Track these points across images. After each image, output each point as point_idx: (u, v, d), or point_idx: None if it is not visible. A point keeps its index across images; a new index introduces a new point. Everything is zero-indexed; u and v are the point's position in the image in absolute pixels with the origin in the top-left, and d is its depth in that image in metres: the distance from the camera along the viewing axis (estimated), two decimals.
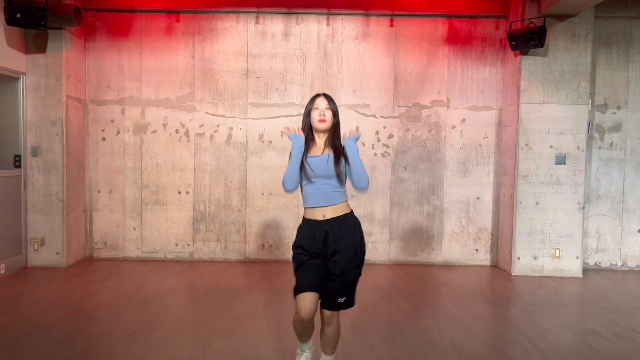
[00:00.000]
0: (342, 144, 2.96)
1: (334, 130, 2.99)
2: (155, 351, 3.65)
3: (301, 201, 2.96)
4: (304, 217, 3.02)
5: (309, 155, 2.94)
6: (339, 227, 2.93)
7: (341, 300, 2.94)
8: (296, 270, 2.97)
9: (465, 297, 5.17)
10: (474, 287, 5.56)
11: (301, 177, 2.93)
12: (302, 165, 2.92)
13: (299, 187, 2.98)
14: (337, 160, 2.89)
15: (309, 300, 2.83)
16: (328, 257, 2.92)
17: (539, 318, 4.52)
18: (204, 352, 3.64)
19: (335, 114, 2.99)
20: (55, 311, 4.52)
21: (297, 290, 2.89)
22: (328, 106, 2.96)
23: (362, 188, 2.93)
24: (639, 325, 4.37)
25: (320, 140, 2.99)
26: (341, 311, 3.01)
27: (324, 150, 2.95)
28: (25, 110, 5.92)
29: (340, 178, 2.91)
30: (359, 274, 3.00)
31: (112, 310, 4.56)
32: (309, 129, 3.00)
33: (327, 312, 2.99)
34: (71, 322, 4.24)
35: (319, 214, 2.93)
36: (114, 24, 6.41)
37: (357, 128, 6.42)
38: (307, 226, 2.98)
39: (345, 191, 2.99)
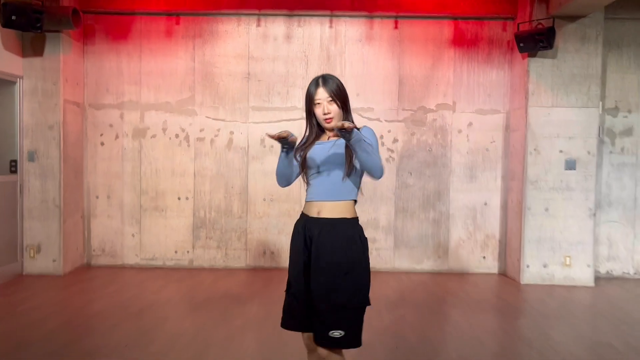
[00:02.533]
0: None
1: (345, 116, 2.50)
2: None
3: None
4: (301, 213, 2.57)
5: (317, 142, 2.52)
6: (329, 231, 2.38)
7: (335, 334, 2.29)
8: (287, 288, 2.57)
9: (472, 306, 4.99)
10: (481, 296, 5.39)
11: (306, 173, 2.53)
12: (303, 159, 2.50)
13: (300, 182, 2.58)
14: (346, 146, 2.38)
15: (305, 335, 2.50)
16: (312, 267, 2.40)
17: (550, 329, 4.34)
18: None
19: (343, 100, 2.47)
20: (50, 321, 4.38)
21: (282, 321, 2.55)
22: (331, 97, 2.42)
23: (377, 172, 2.33)
24: None
25: (330, 133, 2.52)
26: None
27: (329, 137, 2.51)
28: (21, 114, 5.81)
29: (348, 167, 2.39)
30: (363, 302, 2.38)
31: (108, 321, 4.43)
32: (316, 122, 2.53)
33: (321, 351, 2.39)
34: (66, 333, 4.10)
35: (315, 210, 2.44)
36: (113, 27, 6.30)
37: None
38: (299, 223, 2.53)
39: (354, 190, 2.47)
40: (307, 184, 2.53)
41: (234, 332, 4.14)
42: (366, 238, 2.48)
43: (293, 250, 2.53)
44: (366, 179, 2.48)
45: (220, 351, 3.74)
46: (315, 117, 2.50)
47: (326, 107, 2.43)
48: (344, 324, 2.30)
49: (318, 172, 2.46)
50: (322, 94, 2.43)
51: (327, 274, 2.33)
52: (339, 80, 2.50)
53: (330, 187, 2.42)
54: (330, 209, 2.41)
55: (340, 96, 2.45)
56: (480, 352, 3.81)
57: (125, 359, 3.59)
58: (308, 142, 2.54)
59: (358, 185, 2.49)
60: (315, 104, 2.46)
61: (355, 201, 2.50)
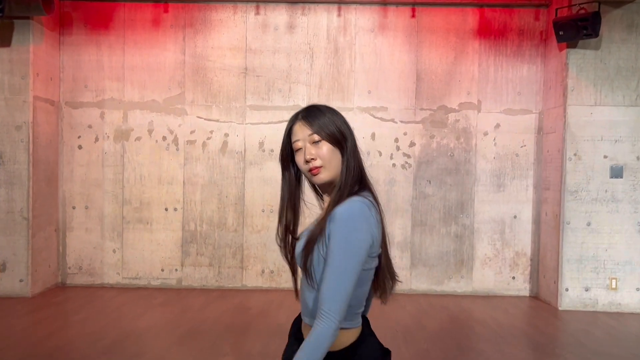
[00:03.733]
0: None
1: (347, 174, 1.52)
2: None
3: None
4: None
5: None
6: None
7: None
8: None
9: (504, 338, 4.28)
10: (513, 325, 4.68)
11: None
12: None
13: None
14: (309, 243, 1.50)
15: None
16: None
17: None
18: None
19: (337, 134, 1.52)
20: (5, 353, 3.67)
21: None
22: (315, 133, 1.51)
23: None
24: None
25: (327, 198, 1.59)
26: None
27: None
28: None
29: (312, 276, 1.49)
30: None
31: (73, 355, 3.72)
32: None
33: None
34: None
35: (306, 331, 1.56)
36: (93, 15, 5.75)
37: (373, 135, 5.58)
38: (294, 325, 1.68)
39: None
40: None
41: None
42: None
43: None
44: (378, 193, 1.60)
45: None
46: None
47: (309, 149, 1.51)
48: None
49: (303, 276, 1.56)
50: (301, 132, 1.52)
51: None
52: (332, 110, 1.57)
53: (304, 301, 1.56)
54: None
55: (331, 130, 1.52)
56: None
57: None
58: (287, 221, 1.63)
59: (358, 301, 1.52)
60: (294, 150, 1.55)
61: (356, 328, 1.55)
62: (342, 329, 1.44)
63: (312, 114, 1.54)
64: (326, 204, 1.54)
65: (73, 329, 4.37)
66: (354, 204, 1.44)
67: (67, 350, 3.87)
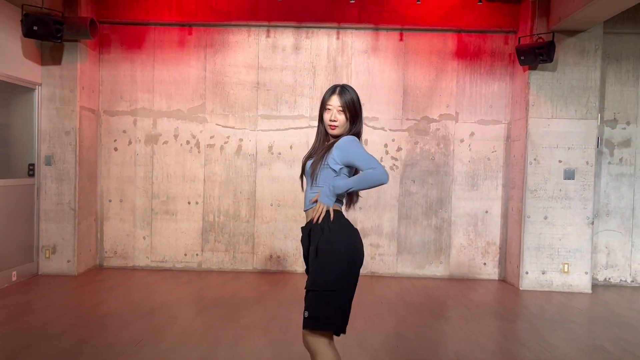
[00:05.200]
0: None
1: (350, 132, 2.62)
2: None
3: None
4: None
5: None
6: (318, 228, 2.54)
7: (305, 314, 2.48)
8: None
9: (472, 311, 5.15)
10: (481, 301, 5.54)
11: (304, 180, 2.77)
12: (302, 167, 2.73)
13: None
14: (317, 159, 2.58)
15: None
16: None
17: (546, 333, 4.50)
18: None
19: (353, 114, 2.58)
20: (64, 319, 4.57)
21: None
22: (341, 107, 2.54)
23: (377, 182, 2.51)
24: None
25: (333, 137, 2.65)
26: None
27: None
28: (40, 120, 6.05)
29: (314, 178, 2.57)
30: (325, 286, 2.45)
31: (120, 320, 4.61)
32: (323, 129, 2.67)
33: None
34: (80, 330, 4.30)
35: (308, 217, 2.65)
36: (128, 37, 6.53)
37: (366, 141, 6.47)
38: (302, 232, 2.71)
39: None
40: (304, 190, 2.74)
41: (241, 332, 4.32)
42: (342, 228, 2.53)
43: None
44: (369, 192, 2.62)
45: (229, 349, 3.93)
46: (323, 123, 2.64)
47: (335, 114, 2.55)
48: (309, 305, 2.49)
49: (310, 183, 2.63)
50: (334, 102, 2.56)
51: (313, 262, 2.55)
52: (356, 95, 2.61)
53: (311, 198, 2.60)
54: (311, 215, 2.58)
55: (352, 109, 2.56)
56: (477, 353, 3.97)
57: (138, 355, 3.77)
58: (312, 150, 2.71)
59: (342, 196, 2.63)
60: (325, 109, 2.59)
61: (339, 208, 2.62)
62: (335, 209, 2.56)
63: (344, 92, 2.58)
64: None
65: (116, 300, 5.25)
66: (347, 137, 2.56)
67: (115, 315, 4.73)
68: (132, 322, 4.51)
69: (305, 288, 2.54)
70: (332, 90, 2.60)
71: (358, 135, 2.64)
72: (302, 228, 2.68)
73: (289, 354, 3.82)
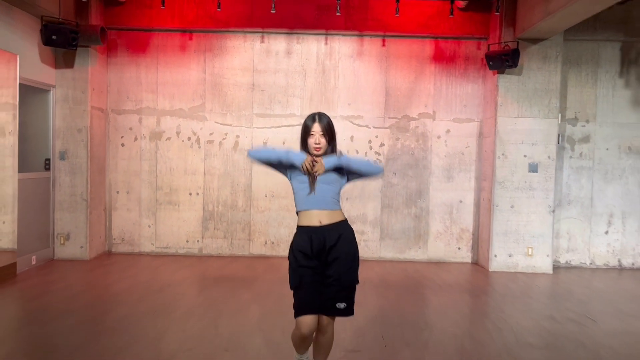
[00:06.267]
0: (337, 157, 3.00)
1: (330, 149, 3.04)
2: (174, 327, 4.33)
3: None
4: (298, 226, 3.03)
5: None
6: (338, 235, 2.95)
7: (340, 305, 2.94)
8: (297, 287, 2.98)
9: (444, 289, 5.84)
10: (453, 281, 6.22)
11: (294, 182, 3.02)
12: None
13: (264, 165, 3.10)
14: (335, 168, 2.97)
15: (310, 320, 2.92)
16: (326, 263, 2.97)
17: (505, 306, 5.19)
18: (216, 327, 4.32)
19: (331, 135, 3.00)
20: (83, 296, 5.20)
21: (300, 311, 2.93)
22: (323, 132, 2.96)
23: (377, 174, 3.15)
24: (590, 312, 5.05)
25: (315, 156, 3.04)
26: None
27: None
28: (54, 118, 6.63)
29: (338, 184, 3.00)
30: (356, 281, 3.04)
31: (133, 296, 5.24)
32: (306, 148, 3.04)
33: (324, 319, 2.98)
34: (99, 305, 4.93)
35: (315, 219, 2.95)
36: (133, 42, 7.11)
37: (352, 137, 7.10)
38: (304, 233, 2.98)
39: (340, 200, 3.08)
40: (295, 194, 3.02)
41: (241, 305, 4.98)
42: (352, 229, 3.09)
43: (304, 248, 2.98)
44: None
45: (231, 318, 4.58)
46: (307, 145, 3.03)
47: (318, 138, 2.96)
48: (347, 298, 2.99)
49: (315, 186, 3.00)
50: (316, 128, 2.97)
51: (340, 264, 2.98)
52: (330, 119, 3.06)
53: (325, 198, 2.98)
54: (329, 217, 2.97)
55: (330, 131, 3.00)
56: (443, 321, 4.65)
57: (153, 323, 4.42)
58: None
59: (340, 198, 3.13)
60: (310, 135, 2.98)
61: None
62: (337, 210, 3.02)
63: (322, 119, 2.99)
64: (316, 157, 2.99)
65: (128, 280, 5.86)
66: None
67: (129, 292, 5.35)
68: (145, 298, 5.15)
69: (338, 284, 2.95)
70: (312, 119, 2.99)
71: (335, 152, 3.08)
72: (307, 227, 3.00)
73: (282, 322, 4.47)
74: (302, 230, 2.99)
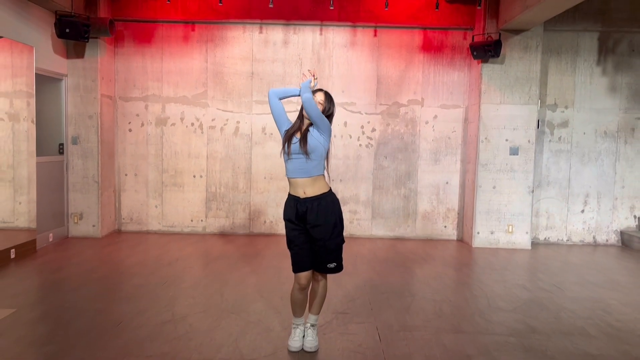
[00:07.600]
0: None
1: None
2: (185, 295, 4.85)
3: None
4: (289, 193, 3.51)
5: (295, 136, 3.43)
6: (318, 205, 3.38)
7: (331, 265, 3.46)
8: (289, 244, 3.48)
9: (429, 262, 6.36)
10: (438, 256, 6.74)
11: (284, 152, 3.44)
12: (287, 141, 3.43)
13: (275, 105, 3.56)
14: (304, 141, 3.36)
15: (305, 274, 3.47)
16: (310, 227, 3.42)
17: (483, 276, 5.72)
18: (222, 295, 4.84)
19: (328, 105, 3.45)
20: (100, 269, 5.71)
21: (296, 268, 3.45)
22: (322, 101, 3.44)
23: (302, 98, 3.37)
24: (560, 282, 5.58)
25: (304, 126, 3.45)
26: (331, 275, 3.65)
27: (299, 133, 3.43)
28: (67, 106, 7.08)
29: (309, 155, 3.33)
30: (342, 241, 3.50)
31: (145, 269, 5.75)
32: (301, 115, 3.45)
33: (318, 275, 3.55)
34: (115, 276, 5.44)
35: (300, 190, 3.40)
36: (139, 33, 7.53)
37: (345, 123, 7.57)
38: (291, 201, 3.46)
39: (322, 165, 3.43)
40: (288, 161, 3.43)
41: (244, 276, 5.50)
42: (338, 199, 3.54)
43: (291, 214, 3.47)
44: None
45: (236, 286, 5.10)
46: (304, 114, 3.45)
47: (318, 102, 3.47)
48: (335, 258, 3.51)
49: (293, 157, 3.41)
50: (319, 97, 3.49)
51: (322, 231, 3.43)
52: (332, 97, 3.55)
53: (303, 167, 3.38)
54: (311, 188, 3.39)
55: (328, 107, 3.50)
56: (425, 289, 5.18)
57: (166, 291, 4.94)
58: (293, 129, 3.49)
59: (322, 164, 3.49)
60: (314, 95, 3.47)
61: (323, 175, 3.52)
62: (320, 175, 3.44)
63: (327, 95, 3.49)
64: (305, 126, 3.45)
65: (139, 255, 6.38)
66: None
67: (142, 265, 5.87)
68: (156, 270, 5.67)
69: (324, 247, 3.42)
70: (319, 90, 3.54)
71: (331, 115, 3.52)
72: (294, 197, 3.46)
73: (281, 290, 4.99)
74: (290, 198, 3.49)
